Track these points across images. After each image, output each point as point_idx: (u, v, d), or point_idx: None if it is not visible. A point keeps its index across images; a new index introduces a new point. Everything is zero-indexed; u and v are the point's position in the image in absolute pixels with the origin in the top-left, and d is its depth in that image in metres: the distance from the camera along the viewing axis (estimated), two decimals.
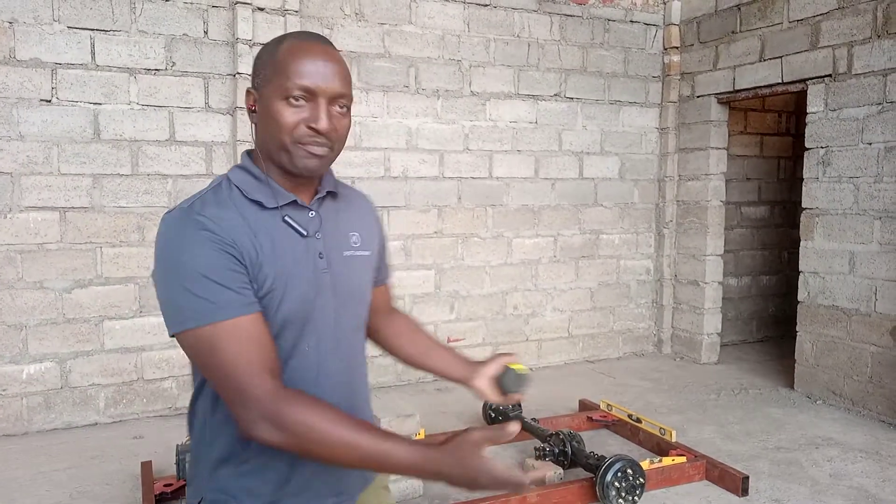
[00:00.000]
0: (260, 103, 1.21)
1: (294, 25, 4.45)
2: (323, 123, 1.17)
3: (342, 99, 1.20)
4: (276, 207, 1.21)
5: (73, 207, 4.09)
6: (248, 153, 1.28)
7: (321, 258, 1.24)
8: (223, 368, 1.09)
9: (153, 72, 4.22)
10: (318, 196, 1.27)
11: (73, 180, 4.08)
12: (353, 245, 1.31)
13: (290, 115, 1.17)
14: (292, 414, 1.06)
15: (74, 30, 4.02)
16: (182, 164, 4.33)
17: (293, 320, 1.19)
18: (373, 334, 1.52)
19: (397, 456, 1.07)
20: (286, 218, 1.21)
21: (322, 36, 1.25)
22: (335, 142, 1.21)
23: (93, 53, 4.07)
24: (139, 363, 4.30)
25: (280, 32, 4.40)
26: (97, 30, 4.07)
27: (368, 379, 1.41)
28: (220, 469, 1.21)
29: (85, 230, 4.12)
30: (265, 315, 1.15)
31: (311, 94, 1.17)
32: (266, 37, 4.36)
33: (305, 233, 1.23)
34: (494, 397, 1.46)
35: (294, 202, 1.23)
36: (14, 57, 3.90)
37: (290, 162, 1.20)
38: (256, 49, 4.35)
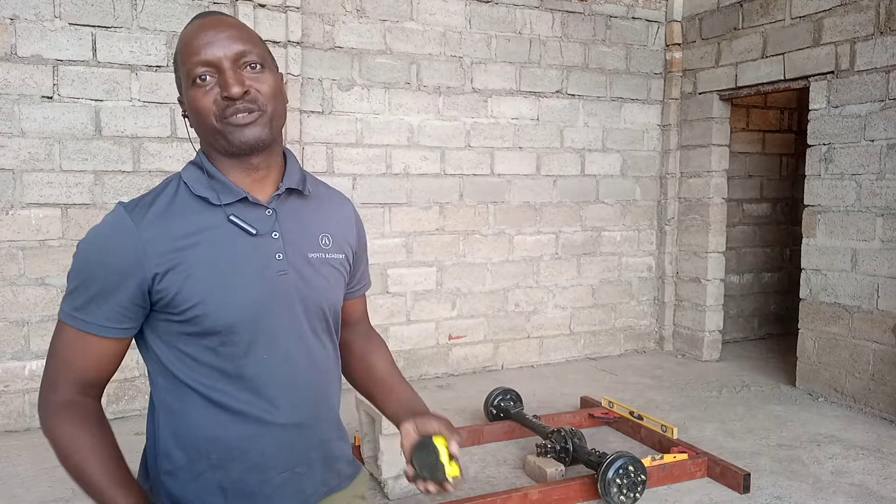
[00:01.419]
0: (185, 104, 1.16)
1: (295, 21, 4.44)
2: (233, 88, 1.09)
3: (247, 56, 1.12)
4: (222, 205, 1.13)
5: (75, 204, 4.09)
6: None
7: (279, 259, 1.15)
8: (50, 363, 1.14)
9: (154, 68, 4.22)
10: (276, 193, 1.18)
11: (74, 177, 4.08)
12: (321, 246, 1.23)
13: (202, 95, 1.11)
14: (55, 427, 1.12)
15: (76, 26, 4.02)
16: (183, 160, 4.32)
17: (240, 326, 1.12)
18: (345, 363, 1.40)
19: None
20: (231, 217, 1.13)
21: (214, 11, 1.19)
22: (262, 103, 1.12)
23: (94, 50, 4.07)
24: (140, 359, 4.29)
25: (282, 29, 4.40)
26: (98, 26, 4.07)
27: (339, 388, 1.31)
28: (176, 479, 1.17)
29: (87, 227, 4.12)
30: (200, 322, 1.10)
31: (213, 67, 1.10)
32: (268, 34, 4.36)
33: (255, 231, 1.14)
34: (409, 470, 1.19)
35: (245, 199, 1.15)
36: (15, 53, 3.90)
37: (226, 143, 1.12)
38: None
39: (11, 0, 3.87)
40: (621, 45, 5.76)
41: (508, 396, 4.14)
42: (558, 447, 3.44)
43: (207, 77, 1.10)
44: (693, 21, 5.80)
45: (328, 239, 1.24)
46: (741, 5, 5.34)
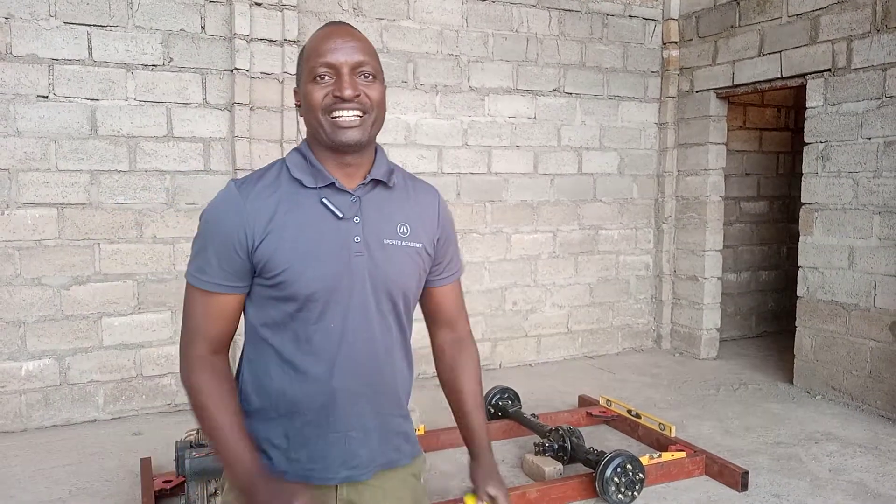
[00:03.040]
0: (300, 96, 1.32)
1: (292, 20, 4.43)
2: (346, 90, 1.24)
3: (364, 67, 1.27)
4: (315, 188, 1.29)
5: (71, 204, 4.08)
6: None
7: (357, 241, 1.28)
8: (185, 321, 1.32)
9: (150, 67, 4.21)
10: (362, 182, 1.32)
11: (70, 176, 4.07)
12: (399, 234, 1.33)
13: (318, 91, 1.26)
14: (193, 378, 1.29)
15: (71, 25, 4.00)
16: (180, 159, 4.32)
17: (317, 295, 1.26)
18: (432, 342, 1.55)
19: (226, 450, 1.25)
20: (323, 199, 1.28)
21: (343, 22, 1.35)
22: (367, 108, 1.27)
23: (90, 49, 4.06)
24: (138, 359, 4.29)
25: (278, 27, 4.39)
26: (94, 25, 4.05)
27: (409, 371, 1.43)
28: (251, 419, 1.33)
29: (83, 226, 4.11)
30: (285, 288, 1.26)
31: (333, 69, 1.26)
32: (264, 32, 4.35)
33: (341, 215, 1.28)
34: None
35: (333, 185, 1.29)
36: (10, 53, 3.88)
37: (327, 136, 1.27)
38: (254, 44, 4.34)
39: None
40: (618, 43, 5.76)
41: (506, 395, 4.14)
42: (556, 446, 3.44)
43: (326, 77, 1.26)
44: (690, 19, 5.80)
45: (406, 228, 1.35)
46: (738, 3, 5.34)
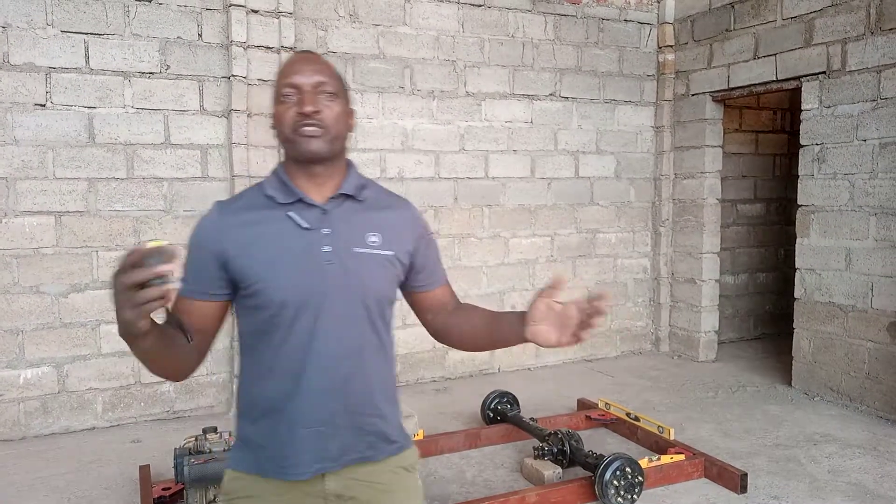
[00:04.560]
0: (273, 117, 1.43)
1: (288, 27, 4.44)
2: (306, 107, 1.35)
3: (324, 86, 1.38)
4: (286, 203, 1.40)
5: (69, 211, 4.08)
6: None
7: (326, 251, 1.37)
8: None
9: (147, 75, 4.22)
10: (332, 196, 1.42)
11: (68, 184, 4.07)
12: (369, 243, 1.42)
13: (283, 109, 1.38)
14: None
15: (68, 34, 4.01)
16: (178, 167, 4.32)
17: (287, 302, 1.35)
18: (443, 336, 1.60)
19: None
20: (289, 213, 1.39)
21: (309, 51, 1.49)
22: (326, 125, 1.37)
23: (87, 57, 4.07)
24: (136, 367, 4.29)
25: (275, 34, 4.40)
26: (91, 34, 4.06)
27: (386, 374, 1.48)
28: (242, 421, 1.45)
29: (81, 234, 4.12)
30: (259, 296, 1.36)
31: (296, 89, 1.37)
32: (261, 39, 4.36)
33: (308, 226, 1.38)
34: (552, 335, 1.36)
35: (301, 200, 1.40)
36: (8, 61, 3.89)
37: (294, 150, 1.38)
38: (251, 51, 4.35)
39: (3, 8, 3.86)
40: (614, 47, 5.78)
41: (505, 399, 4.14)
42: (555, 449, 3.44)
43: (292, 97, 1.37)
44: (685, 23, 5.82)
45: (377, 237, 1.44)
46: (733, 7, 5.36)
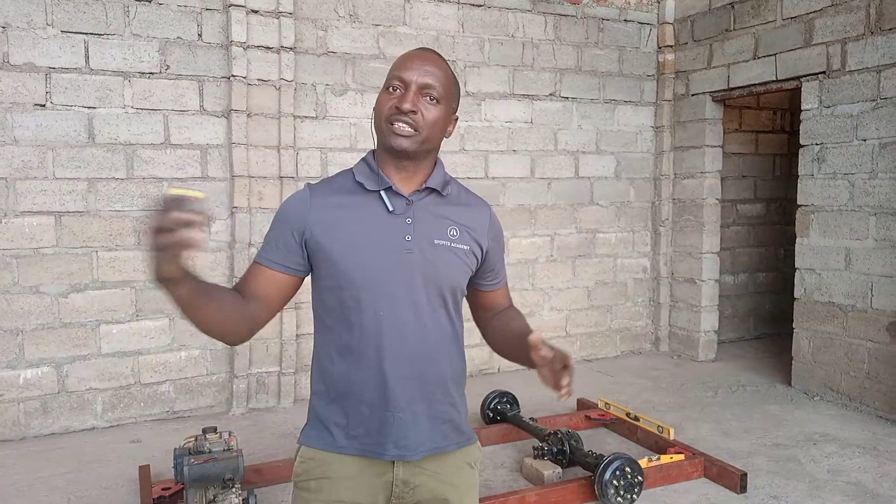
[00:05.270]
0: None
1: (288, 27, 4.44)
2: (405, 104, 1.38)
3: (430, 89, 1.41)
4: (375, 190, 1.44)
5: (69, 212, 4.09)
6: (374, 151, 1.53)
7: (408, 240, 1.42)
8: None
9: (147, 75, 4.22)
10: (418, 189, 1.46)
11: (68, 184, 4.07)
12: (448, 236, 1.47)
13: (386, 99, 1.42)
14: None
15: (68, 34, 4.01)
16: (177, 167, 4.32)
17: (367, 285, 1.40)
18: (482, 330, 1.68)
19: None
20: (381, 192, 1.44)
21: (432, 49, 1.50)
22: (419, 126, 1.40)
23: (87, 57, 4.07)
24: (136, 367, 4.29)
25: (274, 35, 4.40)
26: (91, 34, 4.06)
27: (458, 363, 1.54)
28: (315, 400, 1.49)
29: (80, 234, 4.12)
30: (339, 277, 1.41)
31: (403, 83, 1.41)
32: (260, 39, 4.36)
33: (392, 209, 1.43)
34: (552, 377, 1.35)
35: (390, 188, 1.44)
36: (8, 61, 3.89)
37: (384, 140, 1.43)
38: (251, 51, 4.35)
39: (3, 8, 3.86)
40: (614, 47, 5.78)
41: (505, 399, 4.14)
42: (555, 449, 3.44)
43: (397, 90, 1.41)
44: (685, 23, 5.82)
45: (456, 231, 1.48)
46: (733, 7, 5.36)
